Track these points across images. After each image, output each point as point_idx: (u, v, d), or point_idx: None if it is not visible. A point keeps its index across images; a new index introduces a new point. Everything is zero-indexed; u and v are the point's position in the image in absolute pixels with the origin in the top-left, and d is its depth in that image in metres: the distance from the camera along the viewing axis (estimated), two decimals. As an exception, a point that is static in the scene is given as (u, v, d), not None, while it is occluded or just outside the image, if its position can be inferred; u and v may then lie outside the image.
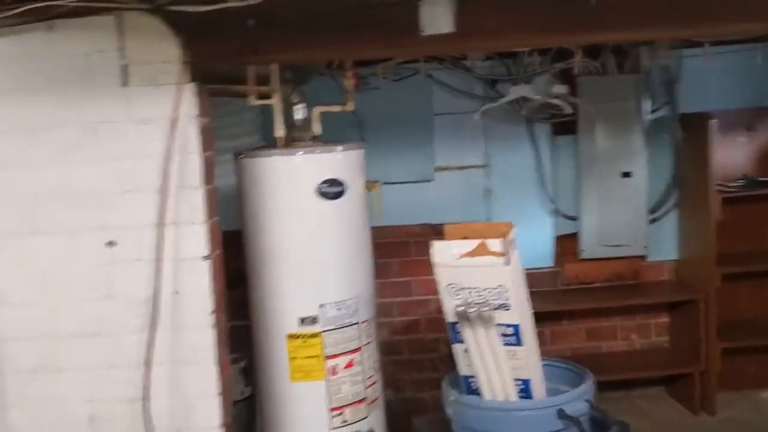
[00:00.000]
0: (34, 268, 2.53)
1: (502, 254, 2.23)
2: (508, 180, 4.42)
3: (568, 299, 4.45)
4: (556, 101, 3.64)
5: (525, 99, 3.79)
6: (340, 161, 2.89)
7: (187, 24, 2.39)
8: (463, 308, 2.36)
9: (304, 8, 2.37)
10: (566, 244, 4.47)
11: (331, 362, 2.85)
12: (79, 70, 2.46)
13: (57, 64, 2.46)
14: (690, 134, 4.21)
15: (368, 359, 2.96)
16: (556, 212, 4.43)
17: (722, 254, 4.11)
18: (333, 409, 2.86)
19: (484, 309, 2.32)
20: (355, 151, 2.98)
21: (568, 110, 3.75)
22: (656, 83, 4.27)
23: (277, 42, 2.46)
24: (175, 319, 2.55)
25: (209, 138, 2.63)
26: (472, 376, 2.53)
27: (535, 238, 4.44)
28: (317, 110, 3.06)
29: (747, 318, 4.41)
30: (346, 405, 2.89)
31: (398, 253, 4.36)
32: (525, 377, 2.44)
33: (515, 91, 3.72)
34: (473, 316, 2.34)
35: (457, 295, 2.38)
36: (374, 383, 3.00)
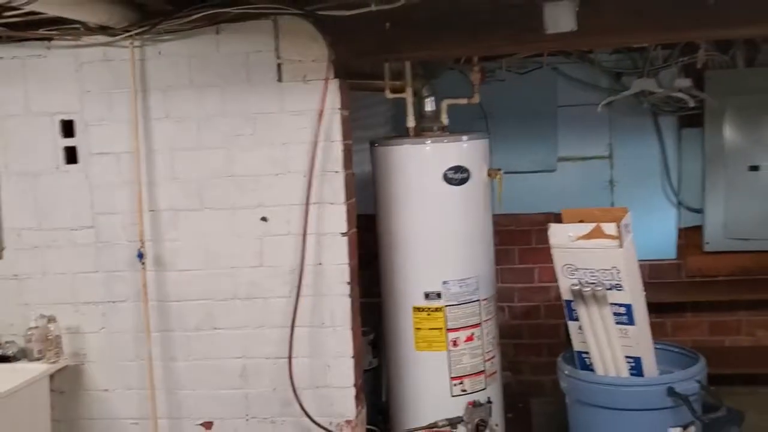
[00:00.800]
0: (199, 239, 2.94)
1: (616, 237, 2.39)
2: (631, 171, 4.47)
3: (691, 291, 4.45)
4: (679, 94, 3.69)
5: (649, 92, 3.86)
6: (465, 150, 3.13)
7: (333, 27, 2.71)
8: (578, 287, 2.54)
9: (434, 11, 2.62)
10: (690, 237, 4.47)
11: (452, 335, 3.10)
12: (241, 67, 2.83)
13: (222, 63, 2.85)
14: (824, 127, 4.11)
15: (487, 335, 3.19)
16: (680, 204, 4.44)
17: None
18: (453, 378, 3.12)
19: (597, 289, 2.49)
20: (480, 140, 3.21)
21: (692, 104, 3.78)
22: (788, 75, 4.19)
23: (411, 41, 2.72)
24: (316, 287, 2.89)
25: (349, 128, 2.94)
26: (586, 353, 2.70)
27: (658, 230, 4.48)
28: (445, 103, 3.31)
29: None
30: (466, 375, 3.14)
31: (520, 240, 4.52)
32: (636, 355, 2.59)
33: (638, 84, 3.80)
34: (587, 295, 2.51)
35: (573, 275, 2.56)
36: (492, 357, 3.23)
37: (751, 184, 4.27)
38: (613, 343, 2.56)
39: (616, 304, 2.51)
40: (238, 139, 2.86)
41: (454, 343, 3.10)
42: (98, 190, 2.97)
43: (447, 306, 3.08)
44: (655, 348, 2.81)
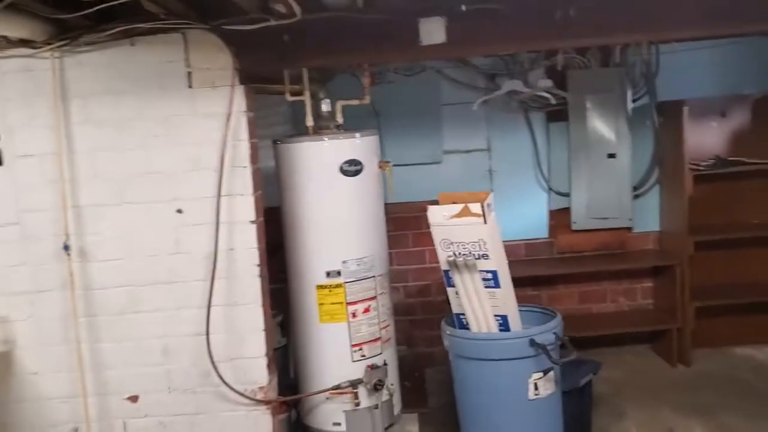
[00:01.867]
0: (121, 231, 3.25)
1: (480, 215, 2.88)
2: (507, 161, 5.04)
3: (561, 266, 5.07)
4: (543, 93, 4.26)
5: (517, 91, 4.42)
6: (358, 145, 3.56)
7: (238, 39, 3.09)
8: (452, 258, 3.02)
9: (327, 26, 3.04)
10: (560, 218, 5.09)
11: (351, 308, 3.54)
12: (155, 75, 3.16)
13: (137, 71, 3.16)
14: (667, 120, 4.80)
15: (382, 306, 3.65)
16: (550, 189, 5.04)
17: (696, 225, 4.71)
18: (354, 346, 3.55)
19: (468, 258, 2.99)
20: (371, 137, 3.66)
21: (553, 101, 4.38)
22: (637, 75, 4.86)
23: (307, 52, 3.14)
24: (230, 270, 3.26)
25: (254, 128, 3.32)
26: (463, 314, 3.19)
27: (531, 213, 5.09)
28: (340, 104, 3.73)
29: (720, 282, 4.99)
30: (365, 342, 3.58)
31: (412, 225, 5.00)
32: (503, 314, 3.10)
33: (508, 85, 4.36)
34: (461, 264, 3.00)
35: (448, 248, 3.04)
36: (387, 326, 3.69)
37: (609, 170, 4.92)
38: (483, 304, 3.06)
39: (484, 270, 3.02)
40: (154, 140, 3.19)
41: (354, 315, 3.54)
42: (23, 189, 3.22)
43: (346, 282, 3.51)
44: (522, 309, 3.33)
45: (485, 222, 2.88)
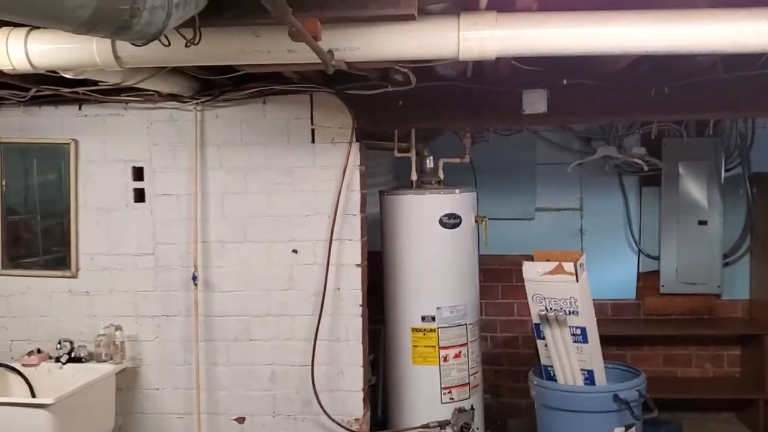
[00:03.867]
0: (241, 266, 3.62)
1: (573, 274, 3.09)
2: (599, 222, 5.21)
3: (648, 327, 5.15)
4: (635, 160, 4.45)
5: (610, 156, 4.61)
6: (457, 200, 3.85)
7: (357, 102, 3.45)
8: (544, 313, 3.24)
9: (437, 94, 3.37)
10: (648, 280, 5.18)
11: (443, 352, 3.77)
12: (282, 130, 3.56)
13: (267, 126, 3.57)
14: (760, 190, 4.87)
15: (472, 353, 3.87)
16: (640, 252, 5.16)
17: (787, 295, 4.73)
18: (443, 388, 3.78)
19: (559, 314, 3.19)
20: (469, 193, 3.94)
21: (645, 168, 4.55)
22: (732, 146, 4.96)
23: (418, 116, 3.47)
24: (335, 308, 3.57)
25: (365, 180, 3.66)
26: (551, 366, 3.38)
27: (620, 273, 5.21)
28: (442, 161, 4.03)
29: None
30: (454, 386, 3.80)
31: (503, 278, 5.21)
32: (589, 368, 3.27)
33: (602, 151, 4.56)
34: (551, 318, 3.21)
35: (540, 303, 3.26)
36: (476, 372, 3.90)
37: (699, 236, 5.01)
38: (571, 358, 3.24)
39: (573, 326, 3.21)
40: (277, 187, 3.57)
41: (445, 359, 3.77)
42: (160, 224, 3.65)
43: (440, 327, 3.76)
44: (608, 367, 3.50)
45: (577, 281, 3.09)
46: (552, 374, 3.39)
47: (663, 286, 5.12)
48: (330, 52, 2.03)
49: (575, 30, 2.01)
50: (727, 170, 5.00)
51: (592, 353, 3.23)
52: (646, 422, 3.64)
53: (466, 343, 3.83)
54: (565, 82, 3.23)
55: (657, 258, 5.13)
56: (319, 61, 2.06)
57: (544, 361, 3.41)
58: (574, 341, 3.23)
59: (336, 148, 3.52)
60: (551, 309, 3.22)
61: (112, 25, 1.38)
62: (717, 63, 2.97)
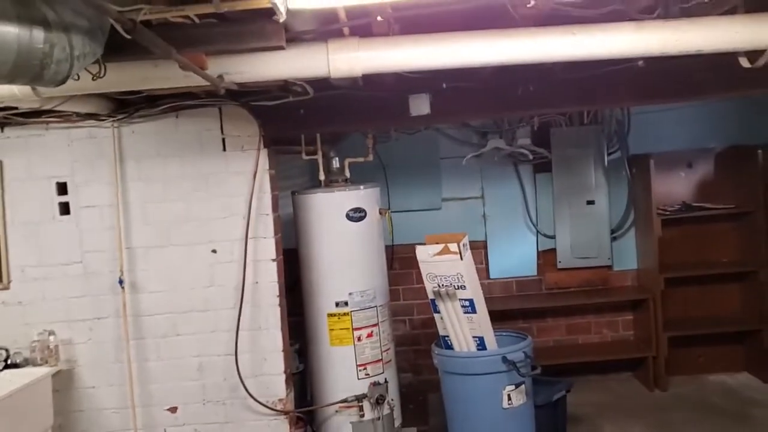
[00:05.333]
0: (165, 268, 3.94)
1: (458, 253, 3.54)
2: (499, 207, 5.70)
3: (549, 300, 5.67)
4: (521, 150, 4.94)
5: (500, 148, 5.10)
6: (362, 195, 4.25)
7: (263, 112, 3.81)
8: (437, 289, 3.67)
9: (333, 102, 3.76)
10: (547, 258, 5.71)
11: (357, 332, 4.18)
12: (196, 141, 3.89)
13: (181, 138, 3.90)
14: (638, 171, 5.44)
15: (383, 332, 4.29)
16: (538, 232, 5.68)
17: (667, 264, 5.31)
18: (359, 365, 4.18)
19: (449, 289, 3.63)
20: (373, 189, 4.35)
21: (530, 157, 5.06)
22: (611, 132, 5.52)
23: (318, 121, 3.86)
24: (254, 300, 3.92)
25: (275, 182, 4.02)
26: (447, 336, 3.83)
27: (522, 253, 5.72)
28: (347, 161, 4.43)
29: (692, 315, 5.55)
30: (368, 363, 4.21)
31: (416, 265, 5.53)
32: (480, 335, 3.72)
33: (492, 143, 5.05)
34: (443, 293, 3.65)
35: (433, 281, 3.69)
36: (388, 349, 4.32)
37: (589, 215, 5.56)
38: (463, 327, 3.69)
39: (462, 299, 3.66)
40: (195, 193, 3.90)
41: (359, 339, 4.18)
42: (86, 234, 3.93)
43: (352, 311, 4.16)
44: (501, 334, 3.96)
45: (462, 258, 3.54)
46: (449, 343, 3.84)
47: (560, 262, 5.65)
48: (220, 76, 2.39)
49: (422, 50, 2.43)
50: (609, 154, 5.56)
51: (481, 321, 3.68)
52: (540, 382, 4.14)
53: (377, 323, 4.24)
54: (444, 86, 3.66)
55: (553, 237, 5.66)
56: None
57: (441, 332, 3.85)
58: (465, 312, 3.67)
59: (246, 155, 3.88)
60: (442, 285, 3.65)
61: (27, 76, 1.71)
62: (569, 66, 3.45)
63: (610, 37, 2.39)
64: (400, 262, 5.53)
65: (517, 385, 3.72)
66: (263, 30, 2.12)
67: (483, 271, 5.73)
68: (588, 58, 2.50)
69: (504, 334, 4.06)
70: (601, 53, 2.44)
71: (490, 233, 5.70)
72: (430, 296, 3.74)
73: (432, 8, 2.10)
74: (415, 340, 5.70)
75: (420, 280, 5.64)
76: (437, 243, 3.57)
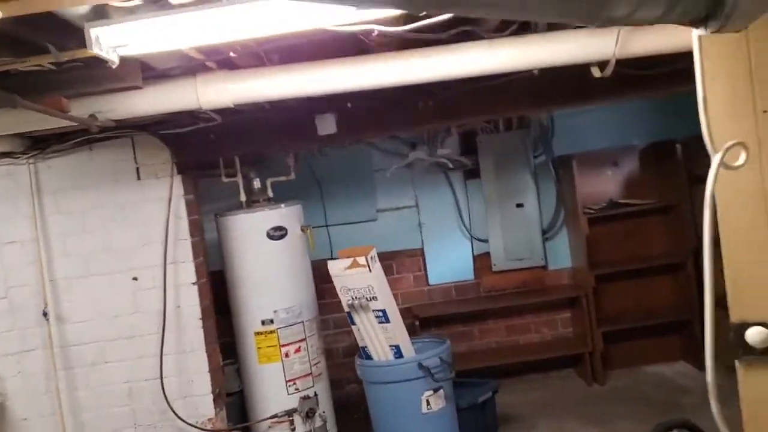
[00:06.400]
0: (89, 298, 4.02)
1: (366, 266, 3.65)
2: (434, 215, 5.82)
3: (487, 303, 5.79)
4: (441, 160, 5.08)
5: (421, 159, 5.23)
6: (283, 214, 4.35)
7: (175, 139, 3.91)
8: (351, 302, 3.78)
9: (241, 126, 3.86)
10: (483, 261, 5.84)
11: (284, 349, 4.27)
12: (110, 172, 3.98)
13: (96, 170, 3.98)
14: (564, 172, 5.59)
15: (312, 347, 4.38)
16: (472, 237, 5.81)
17: (597, 261, 5.46)
18: (288, 381, 4.28)
19: (363, 301, 3.74)
20: (294, 206, 4.45)
21: (450, 165, 5.19)
22: (537, 136, 5.67)
23: (230, 145, 3.96)
24: (178, 324, 4.01)
25: (194, 207, 4.12)
26: (365, 346, 3.94)
27: (458, 258, 5.84)
28: (269, 180, 4.53)
29: (625, 309, 5.70)
30: (297, 377, 4.30)
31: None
32: (396, 344, 3.83)
33: (413, 155, 5.18)
34: (357, 305, 3.76)
35: (347, 293, 3.80)
36: (318, 363, 4.42)
37: (519, 218, 5.70)
38: (379, 337, 3.80)
39: (375, 309, 3.77)
40: (113, 222, 3.98)
41: (287, 355, 4.27)
42: (9, 269, 4.01)
43: (278, 328, 4.26)
44: (423, 340, 4.09)
45: (370, 270, 3.65)
46: (369, 353, 3.94)
47: (494, 265, 5.78)
48: (92, 115, 2.49)
49: (288, 79, 2.55)
50: (535, 157, 5.70)
51: (396, 330, 3.79)
52: (465, 385, 4.26)
53: (305, 338, 4.34)
54: (349, 105, 3.78)
55: (486, 241, 5.78)
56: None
57: (360, 343, 3.95)
58: (379, 322, 3.78)
59: (160, 182, 3.97)
60: (355, 297, 3.76)
61: None
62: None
63: (464, 56, 2.52)
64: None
65: (435, 390, 3.83)
66: (119, 72, 2.22)
67: (422, 277, 5.86)
68: (446, 78, 2.62)
69: (426, 340, 4.18)
70: (459, 72, 2.57)
71: (427, 241, 5.82)
72: (346, 309, 3.85)
73: (279, 42, 2.22)
74: (354, 352, 5.77)
75: (361, 290, 5.83)
76: (349, 257, 3.68)
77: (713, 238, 1.68)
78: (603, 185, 5.68)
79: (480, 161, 5.63)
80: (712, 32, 1.51)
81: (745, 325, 1.94)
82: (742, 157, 1.66)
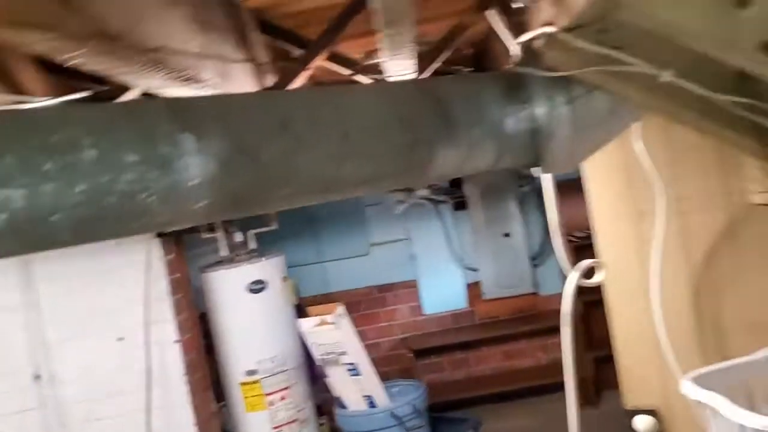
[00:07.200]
0: (80, 359, 4.23)
1: (332, 323, 3.79)
2: (426, 247, 5.95)
3: (482, 331, 5.90)
4: (419, 200, 5.19)
5: (401, 200, 5.35)
6: (263, 267, 4.51)
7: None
8: (322, 357, 3.92)
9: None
10: (475, 290, 5.94)
11: (269, 398, 4.43)
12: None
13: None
14: (549, 200, 5.63)
15: (297, 393, 4.53)
16: (464, 266, 5.91)
17: (582, 287, 5.49)
18: (275, 428, 4.43)
19: (333, 356, 3.88)
20: (275, 258, 4.59)
21: (427, 205, 5.30)
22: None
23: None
24: (163, 381, 4.19)
25: (176, 265, 4.29)
26: (340, 397, 4.08)
27: (452, 287, 5.96)
28: (251, 232, 4.69)
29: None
30: (284, 424, 4.46)
31: (353, 309, 5.88)
32: (369, 394, 3.97)
33: (393, 197, 5.29)
34: (328, 360, 3.90)
35: (319, 348, 3.95)
36: (304, 409, 4.56)
37: (506, 246, 5.78)
38: (352, 388, 3.94)
39: (346, 363, 3.90)
40: (98, 286, 4.16)
41: (272, 403, 4.42)
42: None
43: (262, 378, 4.41)
44: (400, 384, 4.21)
45: (338, 328, 3.78)
46: (344, 403, 4.08)
47: (485, 293, 5.88)
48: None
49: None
50: (520, 186, 5.77)
51: (368, 382, 3.92)
52: (446, 421, 4.37)
53: (290, 386, 4.48)
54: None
55: (477, 270, 5.88)
56: None
57: (335, 393, 4.09)
58: (351, 375, 3.92)
59: (139, 246, 4.15)
60: (327, 353, 3.90)
61: None
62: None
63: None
64: (333, 309, 5.78)
65: (410, 437, 3.95)
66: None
67: (417, 308, 5.99)
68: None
69: (404, 383, 4.30)
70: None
71: (420, 272, 5.94)
72: (318, 363, 3.98)
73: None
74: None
75: (359, 323, 5.96)
76: (319, 314, 3.82)
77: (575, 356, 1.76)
78: (586, 213, 5.70)
79: (467, 194, 5.71)
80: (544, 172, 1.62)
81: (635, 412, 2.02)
82: (601, 275, 1.74)
